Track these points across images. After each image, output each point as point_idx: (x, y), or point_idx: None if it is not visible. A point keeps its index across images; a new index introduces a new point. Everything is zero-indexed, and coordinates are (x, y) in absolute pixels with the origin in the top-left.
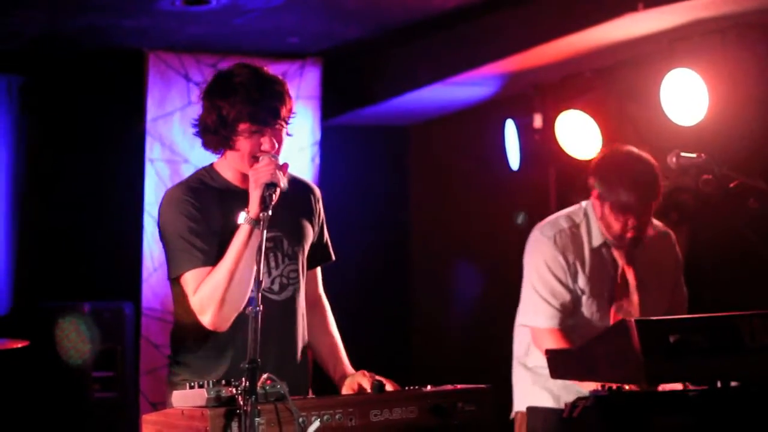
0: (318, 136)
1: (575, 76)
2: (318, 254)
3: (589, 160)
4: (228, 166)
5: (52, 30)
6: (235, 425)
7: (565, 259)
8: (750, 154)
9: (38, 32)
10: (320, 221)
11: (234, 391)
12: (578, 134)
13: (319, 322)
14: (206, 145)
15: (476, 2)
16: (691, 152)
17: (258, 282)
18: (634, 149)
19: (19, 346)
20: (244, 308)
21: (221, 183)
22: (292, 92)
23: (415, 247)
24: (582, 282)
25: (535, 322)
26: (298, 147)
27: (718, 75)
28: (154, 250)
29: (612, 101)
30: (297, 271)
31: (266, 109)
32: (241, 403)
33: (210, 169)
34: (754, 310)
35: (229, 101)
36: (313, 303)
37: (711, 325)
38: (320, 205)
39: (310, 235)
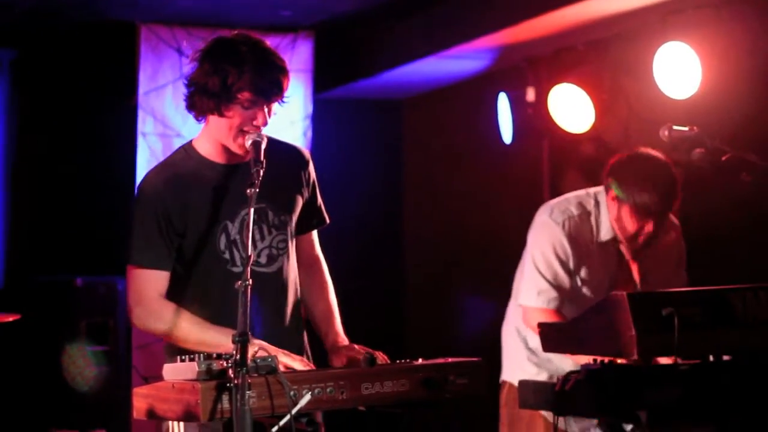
0: (310, 109)
1: (568, 50)
2: (311, 217)
3: (583, 133)
4: (207, 139)
5: (44, 3)
6: (225, 398)
7: (572, 246)
8: (742, 128)
9: (30, 5)
10: (310, 185)
11: (225, 364)
12: (571, 108)
13: (316, 285)
14: (194, 106)
15: None
16: (684, 125)
17: (247, 257)
18: (652, 151)
19: (11, 319)
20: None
21: (197, 159)
22: None
23: (408, 220)
24: (584, 273)
25: (535, 303)
26: (290, 120)
27: (711, 49)
28: None
29: (605, 74)
30: (285, 240)
31: (272, 83)
32: (232, 376)
33: (188, 147)
34: (746, 284)
35: (237, 69)
36: (310, 264)
37: (703, 298)
38: (310, 168)
39: (298, 203)
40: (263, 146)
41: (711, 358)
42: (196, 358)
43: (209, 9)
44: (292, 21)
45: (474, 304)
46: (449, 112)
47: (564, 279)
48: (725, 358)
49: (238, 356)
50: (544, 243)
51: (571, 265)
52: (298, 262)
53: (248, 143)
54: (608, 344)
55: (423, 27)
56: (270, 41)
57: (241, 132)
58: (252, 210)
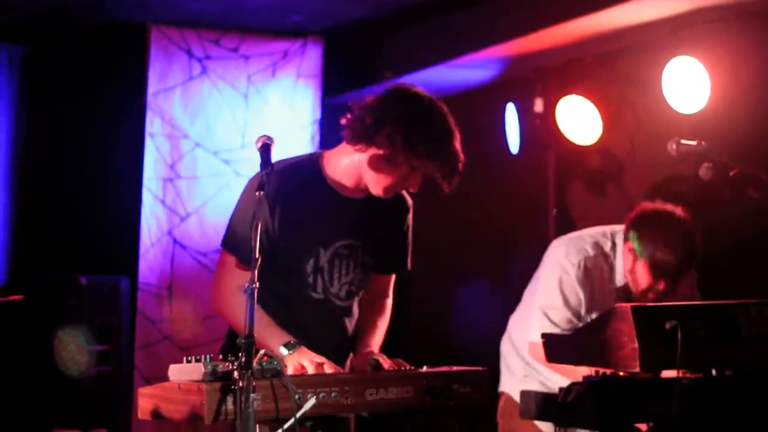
0: (318, 114)
1: (577, 62)
2: (392, 260)
3: (590, 145)
4: (340, 166)
5: (55, 2)
6: (230, 400)
7: (584, 289)
8: (750, 143)
9: (41, 4)
10: (403, 231)
11: (230, 366)
12: (579, 119)
13: (373, 314)
14: (372, 128)
15: None
16: (692, 140)
17: (254, 260)
18: (675, 209)
19: (13, 299)
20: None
21: (319, 180)
22: (293, 70)
23: (412, 228)
24: (596, 315)
25: (538, 339)
26: (299, 125)
27: (720, 63)
28: (152, 226)
29: (613, 87)
30: (365, 280)
31: (453, 171)
32: (237, 378)
33: (318, 162)
34: (751, 299)
35: (441, 137)
36: (375, 298)
37: (707, 313)
38: (408, 216)
39: (386, 246)
40: (272, 149)
41: (714, 372)
42: (202, 360)
43: (219, 12)
44: (302, 26)
45: (478, 313)
46: (456, 121)
47: (570, 320)
48: (728, 372)
49: (243, 358)
50: (554, 285)
51: (583, 308)
52: (366, 293)
53: (258, 145)
54: (611, 356)
55: (432, 35)
56: (280, 46)
57: (391, 188)
58: (260, 217)
